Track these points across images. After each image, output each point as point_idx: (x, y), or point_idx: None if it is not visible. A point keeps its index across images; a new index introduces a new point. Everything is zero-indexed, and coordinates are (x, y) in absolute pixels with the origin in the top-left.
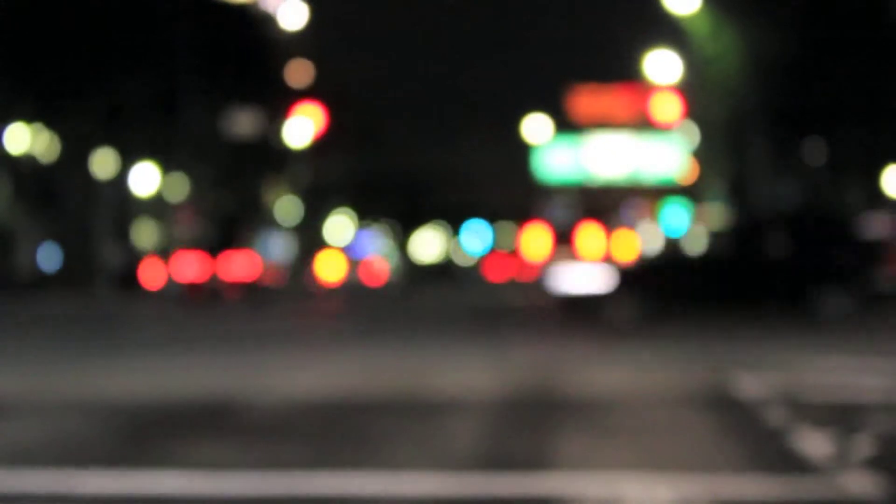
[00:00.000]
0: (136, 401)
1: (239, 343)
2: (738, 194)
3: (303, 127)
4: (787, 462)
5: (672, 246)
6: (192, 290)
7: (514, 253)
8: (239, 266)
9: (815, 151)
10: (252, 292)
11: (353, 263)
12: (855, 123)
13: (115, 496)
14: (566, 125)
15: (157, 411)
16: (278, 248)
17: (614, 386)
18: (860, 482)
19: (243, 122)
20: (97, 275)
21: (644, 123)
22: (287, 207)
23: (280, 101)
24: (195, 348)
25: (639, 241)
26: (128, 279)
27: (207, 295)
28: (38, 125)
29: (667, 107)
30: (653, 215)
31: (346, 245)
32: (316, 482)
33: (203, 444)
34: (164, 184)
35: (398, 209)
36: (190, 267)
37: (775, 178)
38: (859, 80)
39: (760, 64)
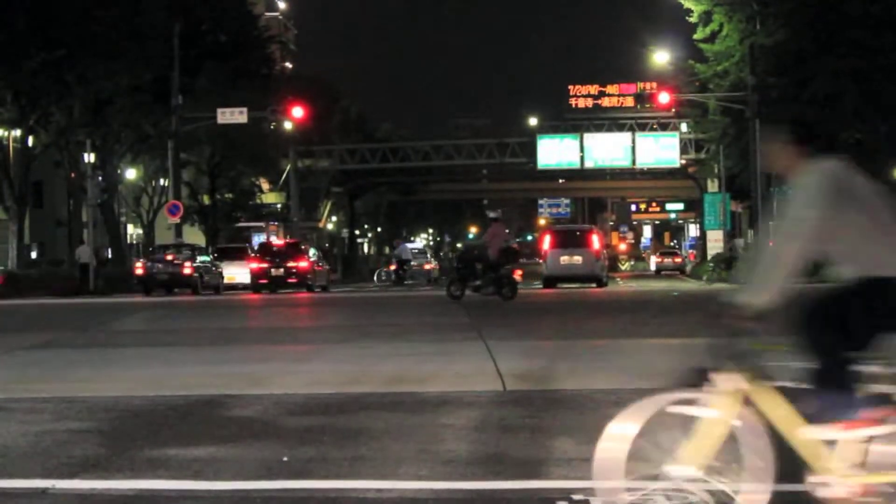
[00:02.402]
0: (126, 398)
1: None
2: (733, 182)
3: (292, 118)
4: (793, 457)
5: None
6: (260, 277)
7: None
8: (295, 257)
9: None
10: (306, 280)
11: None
12: (851, 116)
13: (102, 494)
14: (565, 115)
15: (147, 408)
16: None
17: (612, 380)
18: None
19: (232, 114)
20: (84, 267)
21: (642, 112)
22: (278, 200)
23: (270, 92)
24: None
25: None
26: (114, 271)
27: (272, 283)
28: (22, 116)
29: (664, 96)
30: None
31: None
32: (311, 480)
33: (194, 440)
34: (151, 176)
35: (392, 200)
36: (257, 258)
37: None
38: (857, 70)
39: (759, 53)
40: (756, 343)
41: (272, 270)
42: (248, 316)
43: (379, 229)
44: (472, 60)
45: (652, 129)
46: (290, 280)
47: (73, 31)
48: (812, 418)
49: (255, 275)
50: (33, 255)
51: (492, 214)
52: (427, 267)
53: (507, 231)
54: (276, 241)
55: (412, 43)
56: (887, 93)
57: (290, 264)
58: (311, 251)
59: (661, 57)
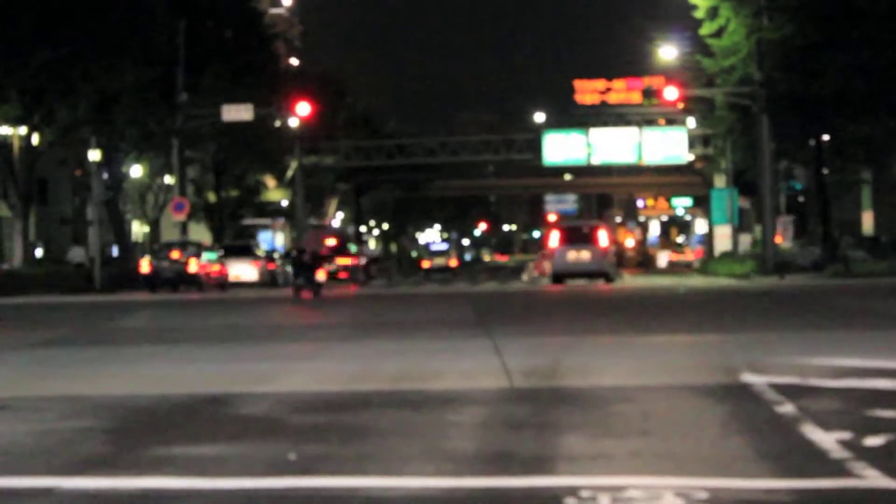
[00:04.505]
0: (131, 396)
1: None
2: (741, 177)
3: (298, 114)
4: (800, 454)
5: None
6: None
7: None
8: (342, 256)
9: (818, 136)
10: (358, 276)
11: (438, 254)
12: (859, 111)
13: (107, 492)
14: (571, 111)
15: (152, 407)
16: (277, 238)
17: (620, 377)
18: (875, 473)
19: (237, 111)
20: (77, 267)
21: (649, 108)
22: (284, 197)
23: (275, 89)
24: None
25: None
26: (119, 269)
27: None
28: (27, 114)
29: (671, 91)
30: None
31: (429, 243)
32: (317, 478)
33: (199, 438)
34: (157, 174)
35: (398, 197)
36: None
37: (778, 163)
38: (865, 65)
39: (766, 48)
40: None
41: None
42: (253, 314)
43: (385, 226)
44: (477, 57)
45: (659, 125)
46: (340, 275)
47: (78, 28)
48: None
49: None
50: (38, 252)
51: (313, 222)
52: (451, 264)
53: (322, 237)
54: (329, 241)
55: (418, 39)
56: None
57: (341, 261)
58: (353, 249)
59: (667, 52)
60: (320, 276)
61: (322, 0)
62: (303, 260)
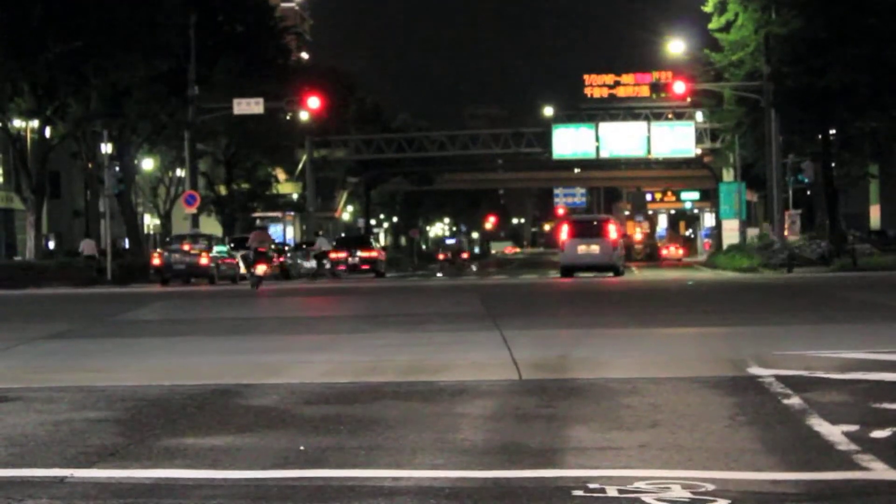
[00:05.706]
0: (142, 387)
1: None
2: (749, 172)
3: (308, 108)
4: (807, 446)
5: None
6: (338, 264)
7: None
8: (366, 248)
9: (826, 131)
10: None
11: (451, 247)
12: (866, 105)
13: (120, 482)
14: (580, 105)
15: (163, 398)
16: (288, 231)
17: (628, 369)
18: (882, 465)
19: (248, 105)
20: (88, 259)
21: (657, 102)
22: (294, 190)
23: (286, 83)
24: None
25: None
26: (131, 261)
27: (349, 269)
28: (39, 107)
29: (680, 85)
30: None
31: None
32: (327, 469)
33: (210, 429)
34: (168, 167)
35: (408, 190)
36: (336, 249)
37: (786, 156)
38: (872, 58)
39: (774, 42)
40: None
41: (349, 259)
42: (263, 306)
43: (395, 219)
44: (487, 50)
45: (667, 119)
46: (363, 267)
47: (90, 22)
48: None
49: (335, 262)
50: (51, 245)
51: (258, 223)
52: (464, 255)
53: (267, 235)
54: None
55: (426, 34)
56: None
57: (363, 254)
58: (372, 241)
59: (676, 46)
60: (259, 270)
61: None
62: (249, 257)
